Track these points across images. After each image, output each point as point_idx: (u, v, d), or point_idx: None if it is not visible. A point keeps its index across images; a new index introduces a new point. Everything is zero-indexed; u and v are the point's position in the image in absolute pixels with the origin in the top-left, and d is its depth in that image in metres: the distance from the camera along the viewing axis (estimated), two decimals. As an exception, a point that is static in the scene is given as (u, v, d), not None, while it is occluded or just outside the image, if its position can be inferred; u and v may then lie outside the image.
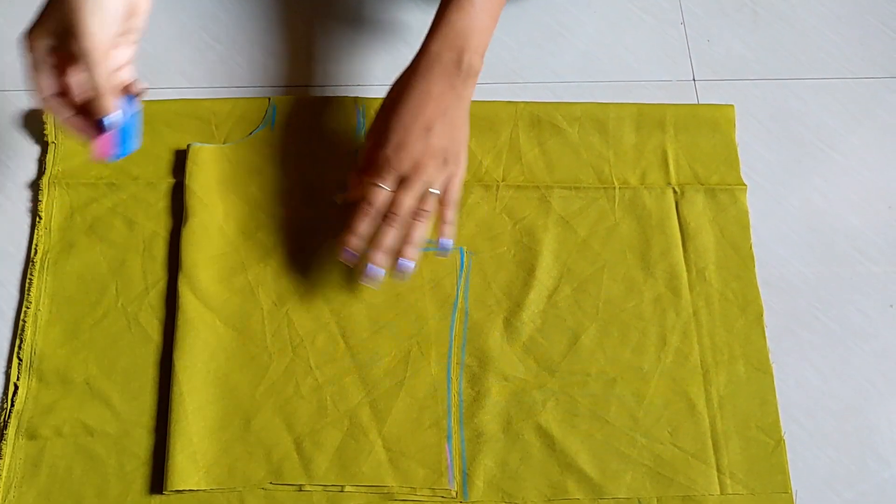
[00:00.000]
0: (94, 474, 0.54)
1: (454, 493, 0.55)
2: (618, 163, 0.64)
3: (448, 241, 0.55)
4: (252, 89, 0.67)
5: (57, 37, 0.47)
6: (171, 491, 0.53)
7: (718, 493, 0.55)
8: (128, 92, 0.51)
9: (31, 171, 0.63)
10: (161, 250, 0.60)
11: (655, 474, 0.55)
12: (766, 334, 0.60)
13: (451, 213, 0.55)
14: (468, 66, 0.53)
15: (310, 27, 0.70)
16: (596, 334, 0.59)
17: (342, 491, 0.54)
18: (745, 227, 0.63)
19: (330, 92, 0.67)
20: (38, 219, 0.61)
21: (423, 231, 0.54)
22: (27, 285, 0.59)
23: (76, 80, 0.49)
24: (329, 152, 0.63)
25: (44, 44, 0.48)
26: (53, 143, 0.62)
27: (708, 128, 0.66)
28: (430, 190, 0.53)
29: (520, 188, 0.63)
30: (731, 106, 0.67)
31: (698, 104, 0.68)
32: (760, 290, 0.61)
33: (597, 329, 0.59)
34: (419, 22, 0.57)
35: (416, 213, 0.54)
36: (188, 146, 0.62)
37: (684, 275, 0.61)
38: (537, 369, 0.58)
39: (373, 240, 0.54)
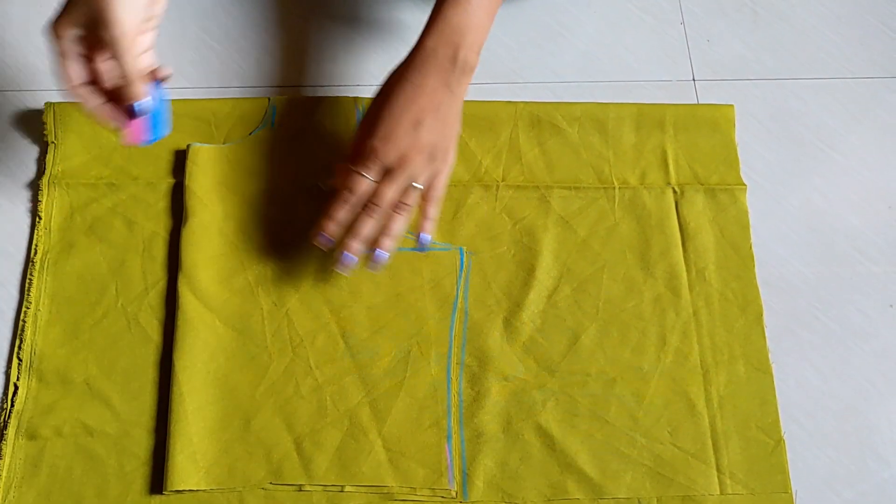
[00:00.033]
0: (94, 474, 0.54)
1: (454, 494, 0.55)
2: (617, 163, 0.64)
3: (427, 237, 0.55)
4: (252, 89, 0.67)
5: (84, 27, 0.48)
6: (171, 491, 0.53)
7: (718, 493, 0.55)
8: (154, 77, 0.52)
9: (30, 172, 0.63)
10: (161, 250, 0.60)
11: (655, 474, 0.55)
12: (766, 334, 0.60)
13: (433, 210, 0.55)
14: (463, 62, 0.53)
15: (309, 27, 0.70)
16: (596, 334, 0.59)
17: (342, 491, 0.54)
18: (744, 227, 0.63)
19: (329, 92, 0.67)
20: (37, 219, 0.61)
21: (402, 224, 0.54)
22: (27, 285, 0.59)
23: (105, 66, 0.51)
24: (329, 152, 0.63)
25: (71, 34, 0.48)
26: (53, 143, 0.62)
27: (708, 128, 0.66)
28: (414, 184, 0.53)
29: (520, 188, 0.63)
30: (731, 106, 0.67)
31: (698, 104, 0.68)
32: (760, 290, 0.61)
33: (597, 329, 0.59)
34: (418, 22, 0.57)
35: (397, 206, 0.54)
36: (188, 146, 0.62)
37: (684, 275, 0.61)
38: (537, 369, 0.58)
39: (350, 228, 0.54)
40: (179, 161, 0.63)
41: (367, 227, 0.53)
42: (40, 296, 0.58)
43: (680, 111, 0.66)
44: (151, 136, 0.54)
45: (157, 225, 0.61)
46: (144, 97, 0.50)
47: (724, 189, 0.64)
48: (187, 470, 0.53)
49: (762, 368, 0.59)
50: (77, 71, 0.50)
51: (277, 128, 0.64)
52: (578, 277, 0.61)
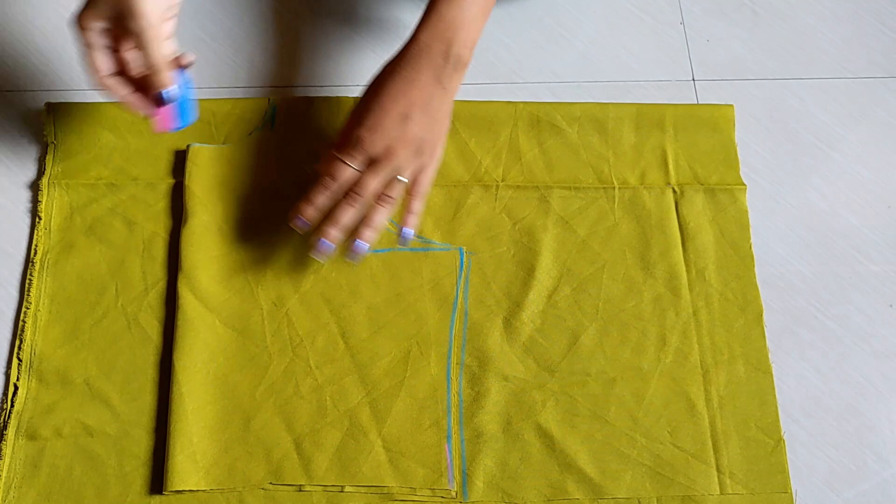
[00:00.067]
0: (93, 475, 0.54)
1: (454, 494, 0.55)
2: (617, 163, 0.64)
3: (409, 231, 0.55)
4: (252, 89, 0.67)
5: (109, 19, 0.50)
6: (171, 491, 0.53)
7: (718, 492, 0.55)
8: (178, 64, 0.53)
9: (30, 172, 0.63)
10: (161, 251, 0.60)
11: (655, 474, 0.55)
12: (766, 334, 0.60)
13: (417, 204, 0.55)
14: (456, 58, 0.53)
15: (309, 27, 0.70)
16: (595, 334, 0.59)
17: (342, 491, 0.54)
18: (744, 226, 0.63)
19: (329, 92, 0.67)
20: (37, 219, 0.61)
21: (383, 216, 0.54)
22: (27, 286, 0.59)
23: (130, 56, 0.53)
24: (329, 152, 0.63)
25: (96, 26, 0.50)
26: (53, 143, 0.62)
27: (707, 128, 0.66)
28: (399, 177, 0.53)
29: (519, 188, 0.63)
30: (731, 106, 0.67)
31: (698, 104, 0.68)
32: (760, 289, 0.61)
33: (596, 329, 0.59)
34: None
35: (380, 198, 0.54)
36: (188, 146, 0.62)
37: (684, 275, 0.61)
38: (537, 369, 0.58)
39: (329, 215, 0.54)
40: (179, 161, 0.63)
41: (347, 215, 0.53)
42: (40, 296, 0.58)
43: (679, 111, 0.66)
44: (180, 122, 0.55)
45: (156, 225, 0.61)
46: (171, 85, 0.52)
47: (724, 189, 0.64)
48: (187, 470, 0.53)
49: (762, 368, 0.59)
50: (105, 62, 0.52)
51: (277, 128, 0.64)
52: (578, 277, 0.61)
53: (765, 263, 0.63)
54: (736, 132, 0.66)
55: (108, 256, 0.60)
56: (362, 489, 0.54)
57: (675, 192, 0.64)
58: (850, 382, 0.60)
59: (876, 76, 0.71)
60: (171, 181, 0.62)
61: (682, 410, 0.57)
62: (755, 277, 0.61)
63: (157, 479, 0.54)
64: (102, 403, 0.56)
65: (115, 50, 0.52)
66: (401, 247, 0.58)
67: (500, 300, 0.60)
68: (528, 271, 0.61)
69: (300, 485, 0.54)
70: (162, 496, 0.54)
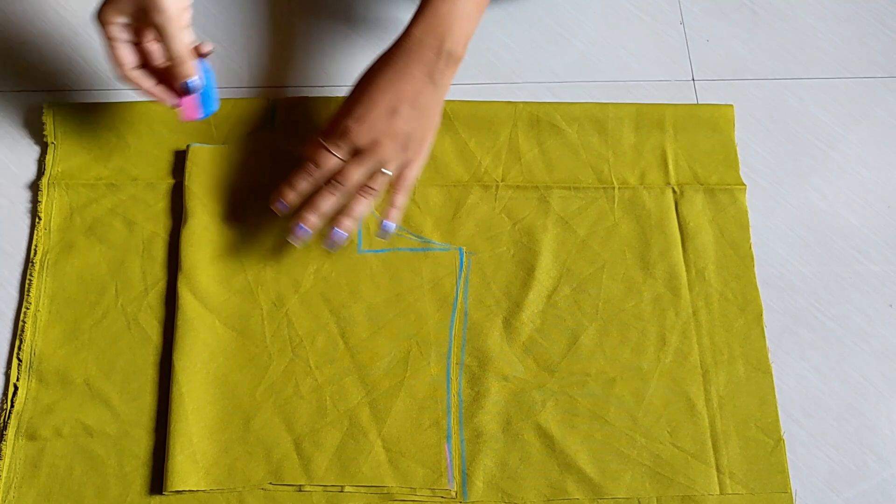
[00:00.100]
0: (93, 475, 0.54)
1: (454, 494, 0.55)
2: (617, 163, 0.64)
3: (390, 224, 0.55)
4: (252, 89, 0.67)
5: (131, 14, 0.51)
6: (171, 491, 0.53)
7: (718, 492, 0.55)
8: (198, 54, 0.55)
9: (30, 172, 0.63)
10: (160, 251, 0.60)
11: (655, 474, 0.55)
12: (766, 334, 0.60)
13: (401, 199, 0.55)
14: (449, 53, 0.52)
15: (309, 27, 0.70)
16: (595, 334, 0.59)
17: (342, 491, 0.54)
18: (744, 226, 0.63)
19: (330, 92, 0.67)
20: (37, 219, 0.61)
21: (364, 207, 0.54)
22: (27, 286, 0.59)
23: (152, 47, 0.55)
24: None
25: (119, 21, 0.52)
26: (53, 143, 0.62)
27: (707, 128, 0.66)
28: (383, 170, 0.53)
29: (519, 188, 0.63)
30: (731, 106, 0.67)
31: (697, 104, 0.68)
32: (760, 289, 0.61)
33: (596, 329, 0.59)
34: (418, 22, 0.59)
35: (363, 189, 0.54)
36: (187, 147, 0.62)
37: (684, 275, 0.61)
38: (537, 369, 0.58)
39: (310, 201, 0.54)
40: (179, 161, 0.63)
41: (327, 203, 0.53)
42: (40, 296, 0.58)
43: (679, 111, 0.66)
44: (204, 111, 0.57)
45: (156, 225, 0.61)
46: (195, 75, 0.54)
47: (724, 189, 0.64)
48: (187, 470, 0.53)
49: (762, 368, 0.59)
50: (128, 55, 0.54)
51: (277, 128, 0.64)
52: (578, 277, 0.61)
53: (765, 263, 0.63)
54: (736, 132, 0.66)
55: (107, 256, 0.60)
56: (362, 489, 0.54)
57: (674, 192, 0.64)
58: (850, 382, 0.60)
59: (876, 76, 0.71)
60: (170, 181, 0.62)
61: (682, 410, 0.57)
62: (755, 277, 0.61)
63: (157, 479, 0.54)
64: (102, 403, 0.56)
65: (136, 43, 0.54)
66: (380, 238, 0.57)
67: (499, 300, 0.60)
68: (527, 271, 0.61)
69: (300, 485, 0.54)
70: (162, 496, 0.54)
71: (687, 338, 0.59)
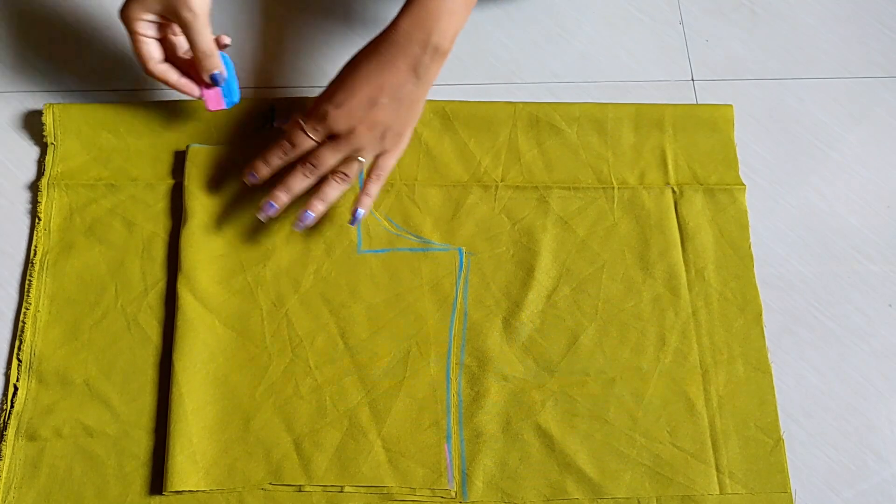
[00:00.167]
0: (93, 475, 0.54)
1: (453, 494, 0.55)
2: (616, 163, 0.64)
3: (361, 212, 0.56)
4: (252, 89, 0.67)
5: (158, 11, 0.54)
6: (171, 492, 0.53)
7: (718, 492, 0.55)
8: (220, 46, 0.57)
9: (30, 173, 0.63)
10: (160, 251, 0.60)
11: (655, 474, 0.55)
12: (765, 334, 0.60)
13: (374, 188, 0.56)
14: (435, 47, 0.52)
15: (309, 28, 0.70)
16: (595, 334, 0.59)
17: (342, 491, 0.54)
18: (743, 226, 0.63)
19: (329, 93, 0.67)
20: (37, 220, 0.61)
21: (336, 191, 0.55)
22: (26, 286, 0.59)
23: (177, 41, 0.58)
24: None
25: (145, 18, 0.54)
26: (53, 144, 0.62)
27: (707, 128, 0.66)
28: (359, 158, 0.54)
29: (518, 188, 0.63)
30: (730, 106, 0.67)
31: (697, 104, 0.68)
32: (759, 289, 0.61)
33: (596, 329, 0.59)
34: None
35: (336, 173, 0.55)
36: (187, 147, 0.62)
37: (683, 275, 0.61)
38: (536, 369, 0.58)
39: (283, 180, 0.55)
40: (179, 162, 0.63)
41: (299, 183, 0.55)
42: (40, 297, 0.58)
43: (679, 111, 0.66)
44: (227, 102, 0.60)
45: (156, 226, 0.61)
46: (221, 68, 0.57)
47: (723, 189, 0.64)
48: (187, 470, 0.53)
49: (761, 368, 0.59)
50: (154, 50, 0.56)
51: (276, 128, 0.64)
52: (577, 277, 0.61)
53: (764, 263, 0.63)
54: (735, 132, 0.66)
55: (107, 257, 0.60)
56: (362, 489, 0.54)
57: (674, 192, 0.64)
58: (850, 382, 0.60)
59: (875, 76, 0.71)
60: (170, 182, 0.62)
61: (682, 410, 0.57)
62: (754, 277, 0.61)
63: (157, 479, 0.54)
64: (102, 404, 0.56)
65: (160, 38, 0.56)
66: (351, 225, 0.58)
67: (499, 300, 0.60)
68: (527, 271, 0.61)
69: (300, 485, 0.54)
70: (162, 496, 0.54)
71: (686, 338, 0.59)
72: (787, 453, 0.57)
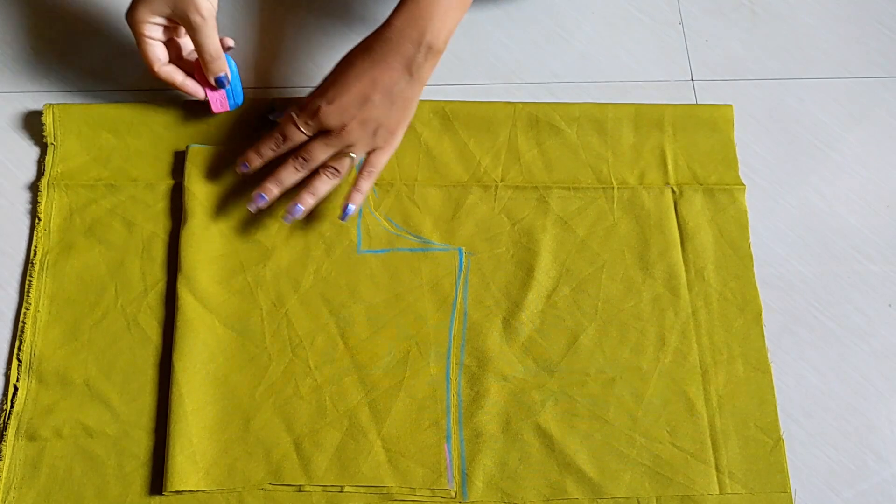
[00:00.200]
0: (93, 475, 0.54)
1: (453, 494, 0.55)
2: (616, 163, 0.64)
3: (351, 207, 0.57)
4: (252, 89, 0.67)
5: (166, 14, 0.55)
6: (171, 492, 0.53)
7: (717, 492, 0.55)
8: (225, 49, 0.59)
9: (30, 173, 0.64)
10: (160, 251, 0.60)
11: (654, 474, 0.55)
12: (765, 334, 0.60)
13: (365, 184, 0.57)
14: (428, 46, 0.52)
15: (309, 27, 0.70)
16: (595, 334, 0.59)
17: (341, 491, 0.54)
18: (743, 226, 0.63)
19: (329, 93, 0.67)
20: (37, 220, 0.61)
21: (326, 186, 0.56)
22: (26, 287, 0.59)
23: (182, 43, 0.59)
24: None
25: (153, 20, 0.55)
26: (53, 144, 0.63)
27: (706, 128, 0.66)
28: (351, 154, 0.55)
29: (518, 188, 0.63)
30: (730, 106, 0.67)
31: (696, 104, 0.68)
32: (759, 289, 0.61)
33: (596, 329, 0.59)
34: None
35: (326, 168, 0.55)
36: (187, 147, 0.62)
37: (683, 275, 0.61)
38: (536, 369, 0.58)
39: (274, 173, 0.56)
40: (178, 162, 0.63)
41: (289, 176, 0.56)
42: (40, 297, 0.58)
43: (678, 111, 0.66)
44: (231, 104, 0.62)
45: (156, 226, 0.61)
46: (227, 70, 0.58)
47: (723, 189, 0.64)
48: (187, 470, 0.53)
49: (761, 368, 0.59)
50: (161, 52, 0.58)
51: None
52: (577, 277, 0.61)
53: (764, 263, 0.63)
54: (735, 132, 0.66)
55: (107, 257, 0.60)
56: (362, 489, 0.54)
57: (674, 192, 0.64)
58: (850, 382, 0.60)
59: (875, 76, 0.71)
60: (170, 182, 0.62)
61: (682, 410, 0.57)
62: (754, 277, 0.61)
63: (157, 479, 0.54)
64: (102, 404, 0.56)
65: (166, 40, 0.57)
66: (342, 220, 0.58)
67: (499, 300, 0.60)
68: (527, 271, 0.61)
69: (300, 485, 0.54)
70: (162, 497, 0.54)
71: (686, 338, 0.59)
72: (787, 453, 0.57)
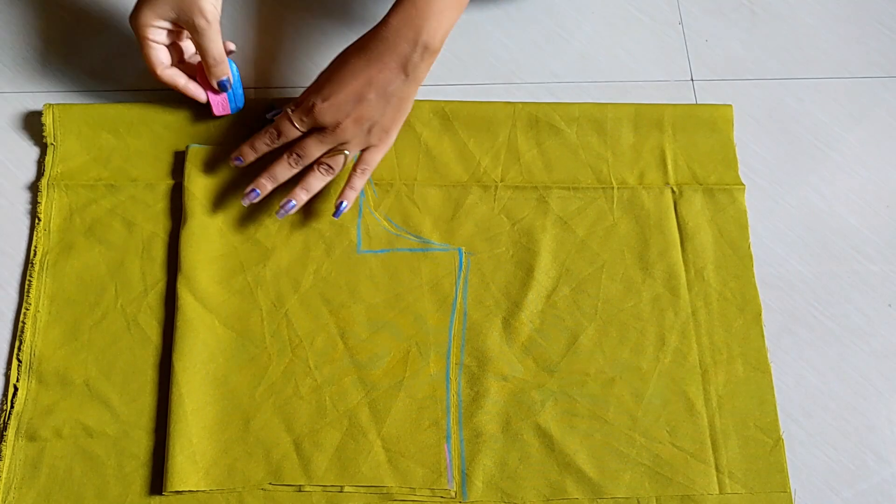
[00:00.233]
0: (93, 475, 0.54)
1: (453, 494, 0.55)
2: (616, 163, 0.64)
3: (345, 204, 0.57)
4: (252, 90, 0.67)
5: (170, 18, 0.55)
6: (171, 492, 0.53)
7: (717, 492, 0.55)
8: (227, 52, 0.59)
9: (30, 173, 0.64)
10: (160, 251, 0.60)
11: (654, 474, 0.55)
12: (765, 334, 0.60)
13: (358, 181, 0.57)
14: (424, 46, 0.52)
15: (308, 27, 0.70)
16: (594, 334, 0.59)
17: (341, 491, 0.54)
18: (743, 226, 0.63)
19: (328, 93, 0.67)
20: (37, 220, 0.61)
21: (319, 182, 0.57)
22: (26, 287, 0.59)
23: (185, 46, 0.60)
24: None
25: (157, 24, 0.56)
26: (52, 144, 0.63)
27: (706, 128, 0.66)
28: (346, 152, 0.55)
29: (518, 188, 0.63)
30: (729, 106, 0.67)
31: (696, 104, 0.68)
32: (759, 289, 0.61)
33: (595, 329, 0.59)
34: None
35: (320, 164, 0.56)
36: (187, 147, 0.62)
37: (683, 274, 0.61)
38: (536, 369, 0.58)
39: (268, 169, 0.56)
40: (178, 162, 0.63)
41: (283, 171, 0.56)
42: (40, 297, 0.58)
43: (678, 111, 0.66)
44: (232, 107, 0.62)
45: (156, 226, 0.61)
46: (229, 74, 0.59)
47: (723, 189, 0.64)
48: (187, 471, 0.53)
49: (761, 368, 0.59)
50: (164, 55, 0.58)
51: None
52: (577, 277, 0.61)
53: (763, 263, 0.63)
54: (734, 132, 0.66)
55: (107, 257, 0.60)
56: (362, 489, 0.54)
57: (673, 192, 0.64)
58: (849, 382, 0.60)
59: (875, 76, 0.71)
60: (170, 182, 0.62)
61: (681, 410, 0.57)
62: (754, 277, 0.61)
63: (157, 479, 0.54)
64: (102, 404, 0.56)
65: (169, 44, 0.58)
66: (335, 217, 0.58)
67: (499, 300, 0.60)
68: (526, 271, 0.61)
69: (300, 485, 0.54)
70: (162, 497, 0.54)
71: (686, 337, 0.59)
72: (786, 453, 0.57)
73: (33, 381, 0.56)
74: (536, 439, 0.56)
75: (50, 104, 0.64)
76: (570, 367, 0.58)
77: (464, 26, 0.70)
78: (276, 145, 0.56)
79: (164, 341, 0.58)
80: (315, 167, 0.56)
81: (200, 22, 0.54)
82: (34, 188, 0.63)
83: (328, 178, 0.57)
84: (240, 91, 0.62)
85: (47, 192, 0.61)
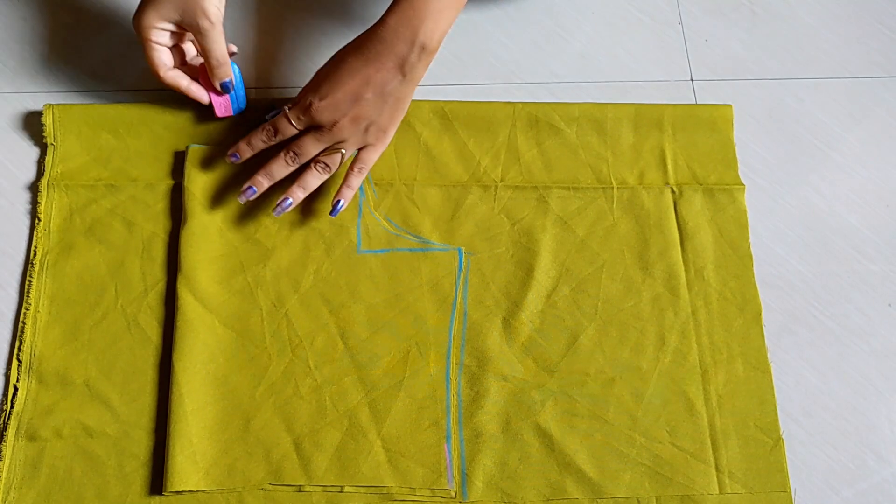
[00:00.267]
0: (93, 475, 0.54)
1: (453, 494, 0.55)
2: (616, 163, 0.65)
3: (342, 203, 0.57)
4: (252, 90, 0.67)
5: (173, 21, 0.55)
6: (171, 492, 0.53)
7: (717, 492, 0.55)
8: (230, 54, 0.60)
9: (30, 173, 0.64)
10: (160, 252, 0.60)
11: (654, 474, 0.55)
12: (765, 333, 0.60)
13: (355, 180, 0.57)
14: (422, 46, 0.53)
15: (309, 28, 0.70)
16: (594, 334, 0.59)
17: (341, 491, 0.54)
18: (743, 226, 0.63)
19: (328, 93, 0.67)
20: (37, 220, 0.61)
21: (316, 180, 0.57)
22: (26, 287, 0.59)
23: (187, 48, 0.60)
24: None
25: (160, 26, 0.56)
26: (52, 144, 0.63)
27: (706, 127, 0.66)
28: (342, 151, 0.56)
29: (518, 188, 0.63)
30: (729, 106, 0.67)
31: (696, 104, 0.68)
32: (759, 289, 0.61)
33: (595, 329, 0.59)
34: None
35: (317, 162, 0.56)
36: (187, 147, 0.62)
37: (683, 274, 0.61)
38: (536, 369, 0.58)
39: (265, 166, 0.57)
40: (178, 162, 0.63)
41: (279, 169, 0.57)
42: (40, 297, 0.58)
43: (678, 111, 0.66)
44: (234, 108, 0.62)
45: (156, 226, 0.61)
46: (231, 76, 0.59)
47: (723, 189, 0.64)
48: (187, 471, 0.53)
49: (761, 367, 0.59)
50: (167, 57, 0.58)
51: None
52: (577, 277, 0.61)
53: (763, 263, 0.63)
54: (734, 132, 0.66)
55: (107, 257, 0.60)
56: (362, 489, 0.54)
57: (673, 191, 0.64)
58: (849, 381, 0.60)
59: (875, 76, 0.71)
60: (170, 182, 0.62)
61: (681, 410, 0.57)
62: (754, 277, 0.61)
63: (157, 479, 0.54)
64: (102, 404, 0.56)
65: (172, 45, 0.58)
66: (332, 216, 0.58)
67: (499, 300, 0.60)
68: (526, 271, 0.61)
69: (300, 485, 0.54)
70: (162, 497, 0.54)
71: (686, 337, 0.59)
72: (786, 453, 0.57)
73: (33, 382, 0.56)
74: (536, 439, 0.56)
75: (50, 104, 0.64)
76: (570, 366, 0.58)
77: (463, 26, 0.70)
78: (272, 143, 0.57)
79: (165, 341, 0.58)
80: (312, 165, 0.56)
81: (204, 24, 0.55)
82: (34, 188, 0.63)
83: (325, 177, 0.57)
84: (242, 92, 0.62)
85: (47, 192, 0.61)
